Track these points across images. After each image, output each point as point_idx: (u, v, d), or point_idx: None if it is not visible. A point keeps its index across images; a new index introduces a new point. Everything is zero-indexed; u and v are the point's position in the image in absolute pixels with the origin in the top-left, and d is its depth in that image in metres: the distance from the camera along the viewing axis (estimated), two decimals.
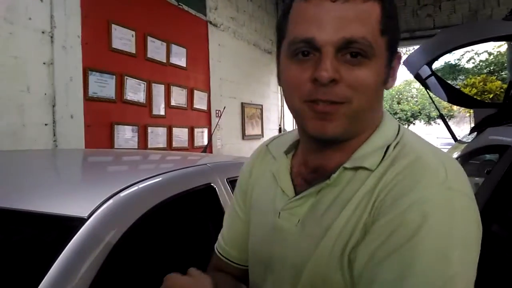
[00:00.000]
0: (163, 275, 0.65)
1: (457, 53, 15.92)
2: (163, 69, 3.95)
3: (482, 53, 15.80)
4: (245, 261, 0.80)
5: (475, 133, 2.71)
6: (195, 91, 4.46)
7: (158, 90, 3.86)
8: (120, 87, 3.36)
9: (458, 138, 3.13)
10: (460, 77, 16.09)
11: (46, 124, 2.72)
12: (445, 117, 3.35)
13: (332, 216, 0.61)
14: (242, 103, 5.61)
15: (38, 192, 0.95)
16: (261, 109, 6.25)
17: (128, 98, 3.46)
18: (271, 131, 6.45)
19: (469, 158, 2.59)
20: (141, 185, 0.96)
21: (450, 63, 16.17)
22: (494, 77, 13.96)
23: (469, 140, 2.69)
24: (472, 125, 3.01)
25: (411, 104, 20.73)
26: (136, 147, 3.55)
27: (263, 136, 6.07)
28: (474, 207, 0.55)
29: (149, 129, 3.72)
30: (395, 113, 20.56)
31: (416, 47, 3.40)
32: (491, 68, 15.26)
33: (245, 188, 0.83)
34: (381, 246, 0.53)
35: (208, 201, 1.19)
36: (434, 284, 0.49)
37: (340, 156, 0.64)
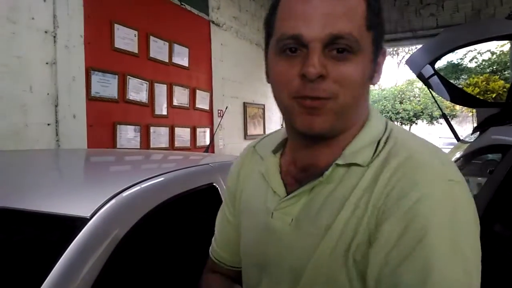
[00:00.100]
0: (165, 275, 0.65)
1: (460, 53, 15.83)
2: (166, 68, 3.96)
3: (485, 52, 15.70)
4: (238, 263, 0.80)
5: (478, 132, 2.70)
6: (197, 90, 4.46)
7: (160, 89, 3.87)
8: (122, 87, 3.36)
9: (461, 138, 3.12)
10: (462, 76, 16.03)
11: (48, 124, 2.72)
12: (448, 117, 3.34)
13: (329, 214, 0.60)
14: (244, 103, 5.61)
15: (41, 192, 0.95)
16: (263, 109, 6.25)
17: (131, 97, 3.46)
18: (273, 130, 6.40)
19: (472, 157, 2.59)
20: (144, 185, 0.96)
21: (452, 62, 16.12)
22: (497, 77, 13.91)
23: (472, 140, 2.68)
24: (475, 124, 3.00)
25: (414, 104, 20.64)
26: (138, 147, 3.55)
27: None
28: (469, 192, 0.57)
29: (151, 129, 3.72)
30: (398, 113, 20.49)
31: (419, 46, 3.39)
32: (494, 67, 15.19)
33: (233, 191, 0.82)
34: (393, 250, 0.53)
35: (210, 201, 1.19)
36: (456, 279, 0.50)
37: (329, 153, 0.64)
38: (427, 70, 3.04)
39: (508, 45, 9.76)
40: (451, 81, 4.76)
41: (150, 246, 1.02)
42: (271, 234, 0.68)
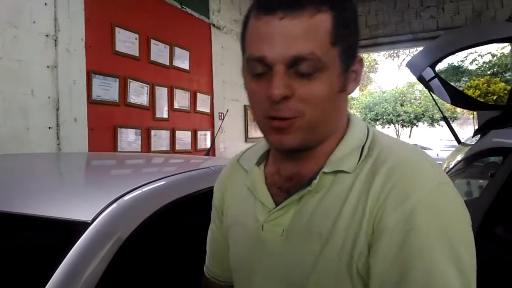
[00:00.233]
0: (166, 280, 0.65)
1: (460, 55, 15.84)
2: (166, 72, 3.96)
3: (486, 54, 15.68)
4: (231, 278, 0.80)
5: (479, 135, 2.69)
6: (198, 93, 4.46)
7: (161, 93, 3.87)
8: (123, 90, 3.37)
9: (462, 141, 3.12)
10: (463, 78, 16.01)
11: (49, 128, 2.73)
12: (449, 119, 3.34)
13: (321, 223, 0.61)
14: (245, 106, 5.61)
15: (42, 196, 0.95)
16: None
17: (132, 101, 3.47)
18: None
19: (473, 160, 2.58)
20: (145, 189, 0.96)
21: (453, 65, 16.11)
22: (497, 79, 13.89)
23: (473, 143, 2.68)
24: (476, 127, 3.00)
25: (414, 106, 20.62)
26: (139, 150, 3.56)
27: None
28: (456, 191, 0.59)
29: (152, 132, 3.73)
30: (399, 115, 20.48)
31: (419, 49, 3.39)
32: (495, 69, 15.18)
33: (220, 207, 0.82)
34: (393, 265, 0.54)
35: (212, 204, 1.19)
36: (457, 286, 0.51)
37: (313, 162, 0.65)
38: (428, 73, 3.03)
39: (509, 48, 9.76)
40: (452, 83, 4.75)
41: (151, 250, 1.02)
42: (262, 247, 0.67)
